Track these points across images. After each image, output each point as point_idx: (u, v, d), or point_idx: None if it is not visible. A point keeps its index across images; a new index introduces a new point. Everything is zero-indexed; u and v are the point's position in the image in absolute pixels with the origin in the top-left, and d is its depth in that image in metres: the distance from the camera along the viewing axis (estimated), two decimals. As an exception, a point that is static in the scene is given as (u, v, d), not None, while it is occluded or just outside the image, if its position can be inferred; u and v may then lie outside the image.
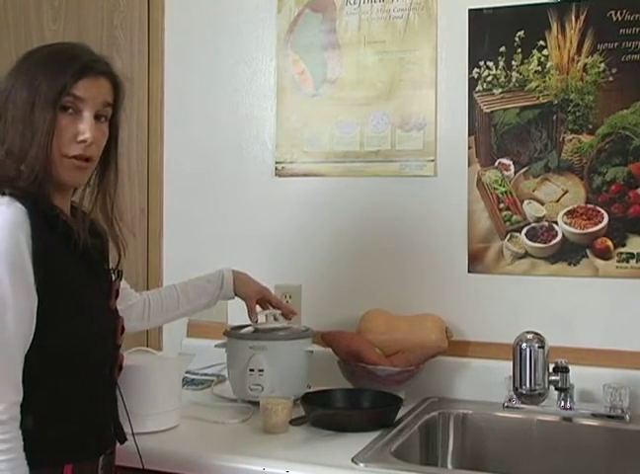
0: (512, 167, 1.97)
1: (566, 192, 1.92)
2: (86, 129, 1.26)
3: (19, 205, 1.19)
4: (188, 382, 2.03)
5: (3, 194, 1.20)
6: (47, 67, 1.26)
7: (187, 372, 1.96)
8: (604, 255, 1.89)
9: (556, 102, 1.92)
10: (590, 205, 1.90)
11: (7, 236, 1.16)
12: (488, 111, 1.98)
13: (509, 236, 1.97)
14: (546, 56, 1.93)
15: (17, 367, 1.17)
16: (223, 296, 1.80)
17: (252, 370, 1.82)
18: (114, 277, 1.40)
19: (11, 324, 1.16)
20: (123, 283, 1.62)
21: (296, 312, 1.93)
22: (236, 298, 1.82)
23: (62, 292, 1.24)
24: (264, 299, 1.85)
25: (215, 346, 1.93)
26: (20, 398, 1.17)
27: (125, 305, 1.59)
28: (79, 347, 1.27)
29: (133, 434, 1.43)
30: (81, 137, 1.26)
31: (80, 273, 1.29)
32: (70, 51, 1.31)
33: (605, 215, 1.88)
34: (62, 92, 1.24)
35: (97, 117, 1.29)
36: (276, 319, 1.89)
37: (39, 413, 1.20)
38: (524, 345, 1.74)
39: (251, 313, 1.82)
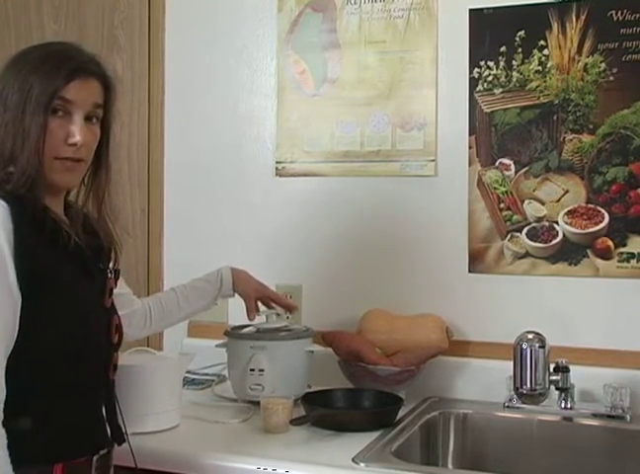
0: (512, 167, 1.97)
1: (566, 191, 1.92)
2: (76, 132, 1.27)
3: (2, 203, 1.19)
4: (188, 382, 2.03)
5: None
6: (38, 70, 1.25)
7: (187, 372, 1.96)
8: (605, 255, 1.89)
9: (557, 102, 1.92)
10: (590, 205, 1.90)
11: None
12: (488, 110, 1.98)
13: (509, 236, 1.97)
14: (547, 56, 1.93)
15: (1, 368, 1.17)
16: (223, 295, 1.81)
17: (252, 370, 1.82)
18: (110, 276, 1.39)
19: None
20: (126, 289, 1.62)
21: (297, 307, 1.93)
22: (236, 297, 1.82)
23: (51, 291, 1.24)
24: (264, 297, 1.85)
25: (216, 346, 1.93)
26: (3, 397, 1.17)
27: (127, 311, 1.59)
28: (70, 345, 1.26)
29: (126, 433, 1.42)
30: (71, 140, 1.27)
31: (70, 271, 1.28)
32: (61, 53, 1.30)
33: (606, 215, 1.88)
34: (53, 95, 1.24)
35: (88, 118, 1.29)
36: (278, 315, 1.89)
37: (29, 413, 1.20)
38: (525, 344, 1.74)
39: (250, 312, 1.82)
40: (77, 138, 1.26)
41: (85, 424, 1.31)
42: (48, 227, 1.25)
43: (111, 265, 1.41)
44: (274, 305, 1.87)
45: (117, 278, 1.42)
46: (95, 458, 1.31)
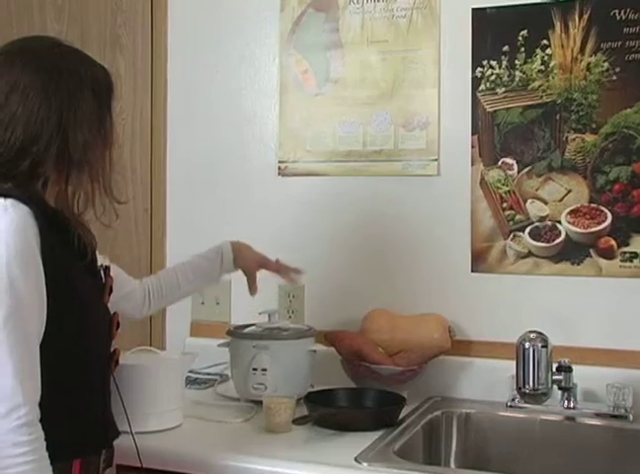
0: (515, 166, 1.96)
1: (569, 191, 1.92)
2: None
3: (24, 207, 1.20)
4: (191, 381, 2.03)
5: (5, 196, 1.21)
6: (82, 79, 1.32)
7: (190, 372, 1.97)
8: (608, 254, 1.88)
9: (559, 101, 1.92)
10: (593, 205, 1.90)
11: (19, 237, 1.17)
12: (491, 110, 1.98)
13: (512, 235, 1.96)
14: (549, 55, 1.92)
15: (37, 367, 1.18)
16: (225, 271, 1.80)
17: (255, 370, 1.82)
18: (102, 274, 1.41)
19: (30, 324, 1.17)
20: (118, 270, 1.62)
21: (300, 271, 1.87)
22: (238, 296, 1.82)
23: (65, 291, 1.25)
24: (266, 269, 1.84)
25: (219, 345, 1.93)
26: (39, 397, 1.18)
27: (122, 292, 1.58)
28: (80, 345, 1.29)
29: (132, 432, 1.44)
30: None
31: (79, 270, 1.31)
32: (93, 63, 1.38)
33: (609, 215, 1.88)
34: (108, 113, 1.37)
35: None
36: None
37: (46, 410, 1.21)
38: (528, 344, 1.75)
39: (251, 287, 1.82)
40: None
41: (96, 418, 1.34)
42: (60, 227, 1.27)
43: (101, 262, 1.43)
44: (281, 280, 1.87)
45: (108, 275, 1.43)
46: (103, 451, 1.35)
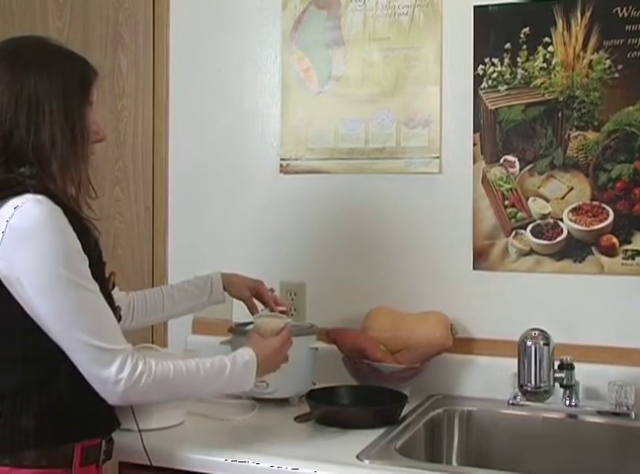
0: (517, 164, 1.96)
1: (571, 189, 1.92)
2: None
3: (55, 207, 1.25)
4: (193, 379, 2.03)
5: (28, 191, 1.26)
6: (70, 78, 1.34)
7: (192, 369, 1.97)
8: (610, 252, 1.88)
9: (561, 98, 1.92)
10: (595, 202, 1.90)
11: (68, 230, 1.26)
12: (493, 107, 1.98)
13: (514, 233, 1.96)
14: (552, 53, 1.92)
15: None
16: (214, 301, 1.82)
17: (257, 367, 1.82)
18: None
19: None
20: None
21: (285, 310, 1.84)
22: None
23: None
24: (257, 294, 1.84)
25: (221, 343, 1.93)
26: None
27: None
28: None
29: (139, 430, 1.45)
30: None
31: (96, 266, 1.34)
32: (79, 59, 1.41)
33: (611, 212, 1.88)
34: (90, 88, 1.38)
35: None
36: (283, 312, 1.88)
37: (59, 390, 1.27)
38: (530, 342, 1.74)
39: (252, 310, 1.83)
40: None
41: (101, 407, 1.36)
42: (79, 225, 1.31)
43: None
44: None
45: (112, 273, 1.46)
46: (103, 441, 1.38)
